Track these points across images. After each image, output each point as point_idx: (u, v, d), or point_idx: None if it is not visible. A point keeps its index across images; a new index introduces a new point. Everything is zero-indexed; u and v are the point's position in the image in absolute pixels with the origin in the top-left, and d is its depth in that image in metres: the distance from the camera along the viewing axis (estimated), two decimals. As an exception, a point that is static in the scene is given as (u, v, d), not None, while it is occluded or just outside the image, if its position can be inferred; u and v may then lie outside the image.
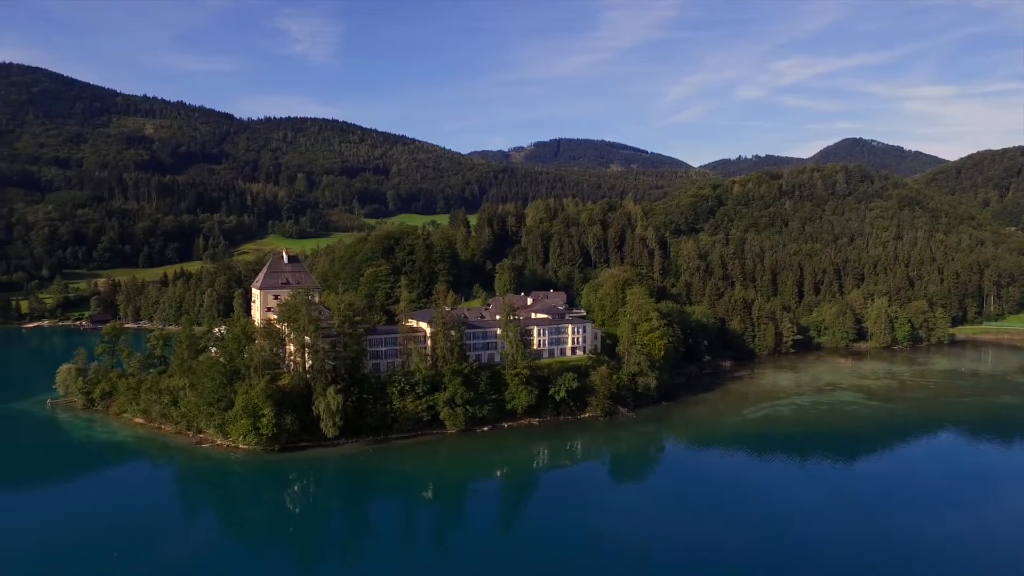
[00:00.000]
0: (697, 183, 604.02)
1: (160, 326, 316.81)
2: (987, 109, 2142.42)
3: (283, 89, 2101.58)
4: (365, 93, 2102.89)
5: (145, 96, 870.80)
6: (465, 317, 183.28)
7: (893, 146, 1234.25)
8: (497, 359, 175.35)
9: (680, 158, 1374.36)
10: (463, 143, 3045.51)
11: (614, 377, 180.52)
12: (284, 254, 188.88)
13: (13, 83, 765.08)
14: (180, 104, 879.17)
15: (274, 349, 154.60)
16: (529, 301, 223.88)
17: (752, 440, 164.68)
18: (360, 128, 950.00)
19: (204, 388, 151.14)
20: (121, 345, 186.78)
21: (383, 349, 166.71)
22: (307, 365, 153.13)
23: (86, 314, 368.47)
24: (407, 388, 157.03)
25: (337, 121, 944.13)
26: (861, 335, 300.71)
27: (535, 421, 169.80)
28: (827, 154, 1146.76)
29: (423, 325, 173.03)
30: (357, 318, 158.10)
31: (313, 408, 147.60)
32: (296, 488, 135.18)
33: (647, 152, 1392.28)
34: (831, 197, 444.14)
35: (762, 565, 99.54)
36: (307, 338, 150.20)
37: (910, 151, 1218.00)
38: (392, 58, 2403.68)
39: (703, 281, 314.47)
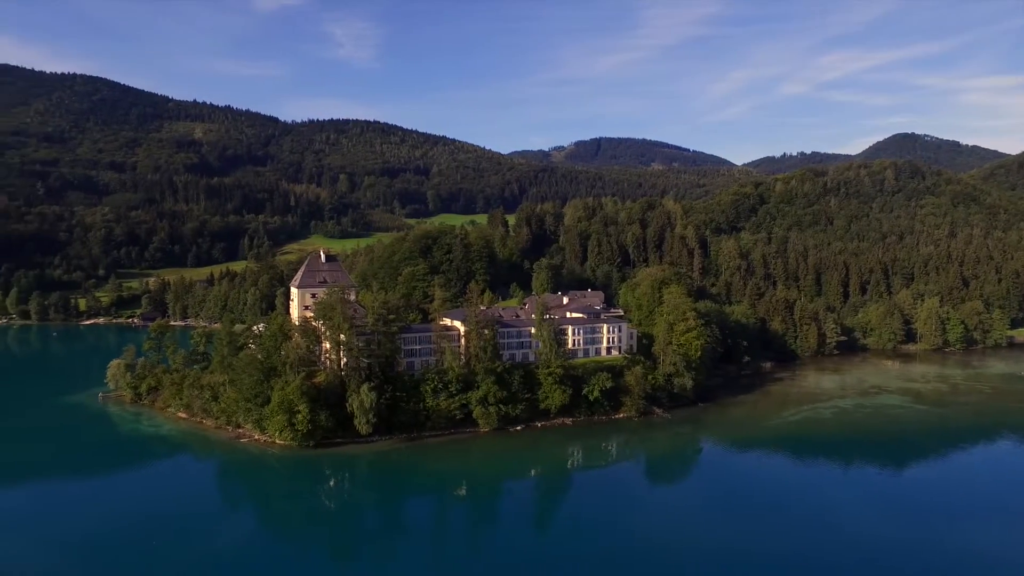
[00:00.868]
0: (739, 181, 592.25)
1: (205, 324, 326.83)
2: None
3: (326, 92, 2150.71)
4: (406, 95, 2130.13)
5: (195, 101, 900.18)
6: (500, 316, 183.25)
7: (948, 140, 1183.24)
8: (531, 358, 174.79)
9: (723, 156, 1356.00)
10: (503, 143, 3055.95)
11: (649, 377, 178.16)
12: (322, 253, 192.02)
13: (76, 92, 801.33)
14: (228, 108, 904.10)
15: (310, 347, 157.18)
16: (565, 300, 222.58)
17: (791, 443, 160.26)
18: (401, 129, 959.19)
19: (242, 384, 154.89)
20: (167, 342, 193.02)
21: (417, 347, 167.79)
22: (342, 363, 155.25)
23: (138, 312, 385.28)
24: (440, 386, 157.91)
25: (379, 122, 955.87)
26: (910, 337, 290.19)
27: (568, 421, 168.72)
28: (876, 150, 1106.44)
29: (457, 324, 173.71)
30: (391, 316, 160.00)
31: (347, 405, 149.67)
32: (331, 484, 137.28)
33: (689, 150, 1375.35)
34: (879, 194, 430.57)
35: (802, 569, 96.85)
36: (342, 336, 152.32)
37: (967, 146, 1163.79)
38: (433, 60, 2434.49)
39: (744, 281, 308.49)
